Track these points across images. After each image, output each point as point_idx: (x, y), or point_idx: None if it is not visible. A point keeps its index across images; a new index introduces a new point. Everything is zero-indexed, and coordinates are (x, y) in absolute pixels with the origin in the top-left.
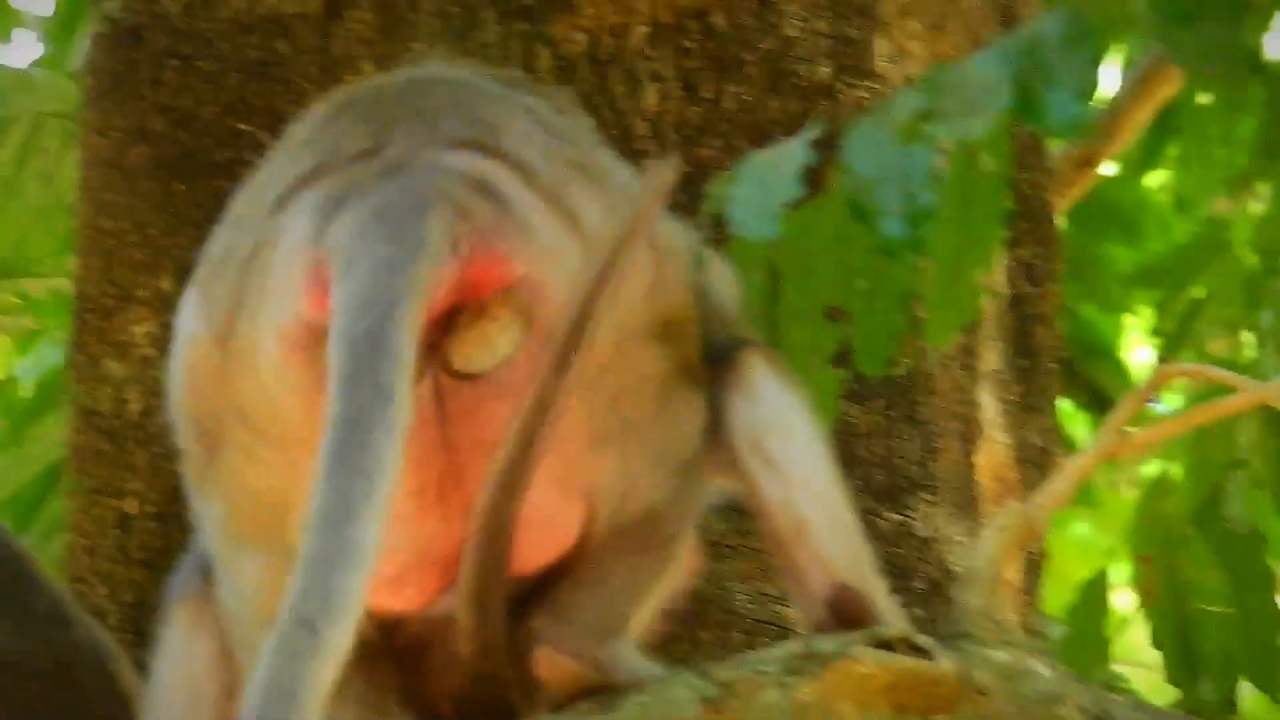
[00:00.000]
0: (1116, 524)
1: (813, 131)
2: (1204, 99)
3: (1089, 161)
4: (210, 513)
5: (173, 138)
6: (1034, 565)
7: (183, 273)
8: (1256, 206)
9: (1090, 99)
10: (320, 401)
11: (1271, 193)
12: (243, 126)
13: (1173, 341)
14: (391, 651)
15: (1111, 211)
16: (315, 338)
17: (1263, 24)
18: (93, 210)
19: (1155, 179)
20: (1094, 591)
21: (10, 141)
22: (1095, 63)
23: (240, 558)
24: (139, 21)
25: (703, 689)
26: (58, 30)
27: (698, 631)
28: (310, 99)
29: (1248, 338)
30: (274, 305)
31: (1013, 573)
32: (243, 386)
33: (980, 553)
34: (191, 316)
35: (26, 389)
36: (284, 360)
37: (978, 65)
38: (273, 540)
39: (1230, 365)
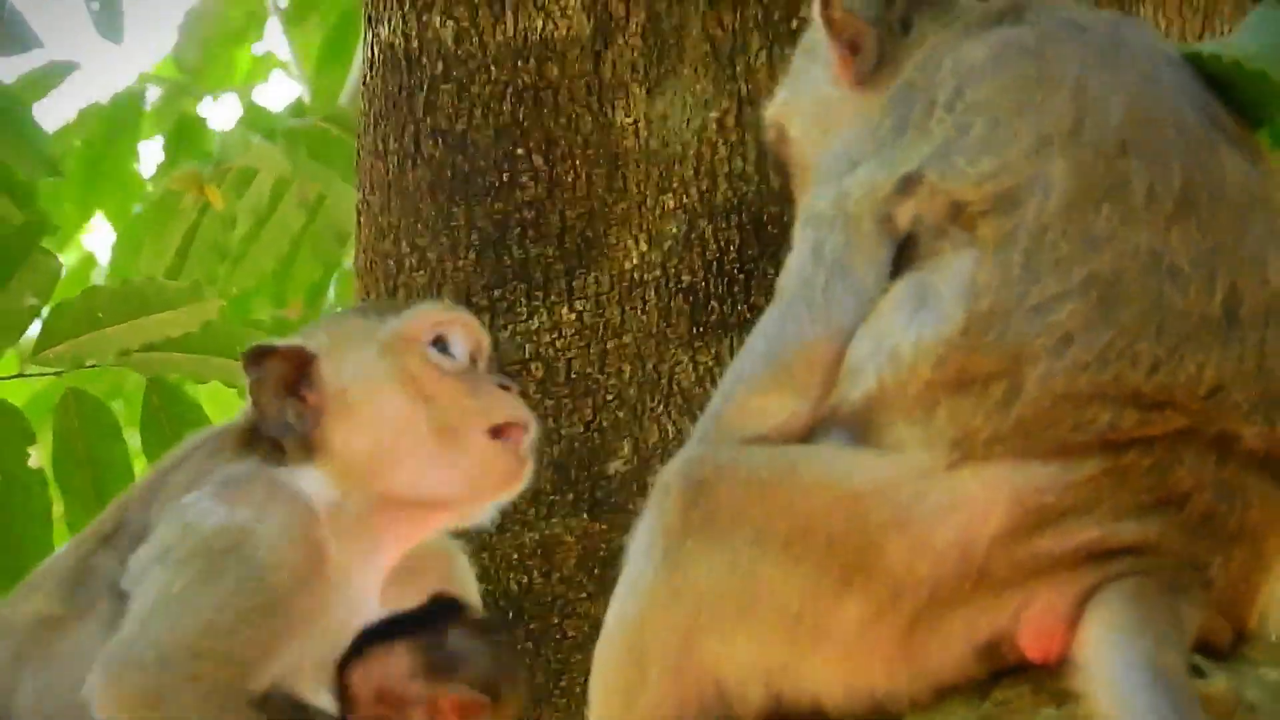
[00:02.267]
0: None
1: None
2: None
3: None
4: None
5: (448, 161)
6: None
7: (463, 294)
8: None
9: None
10: None
11: None
12: (517, 150)
13: None
14: None
15: None
16: None
17: None
18: (372, 233)
19: None
20: None
21: (265, 177)
22: None
23: None
24: (413, 47)
25: (980, 708)
26: (320, 65)
27: None
28: (581, 122)
29: None
30: None
31: None
32: None
33: None
34: None
35: None
36: None
37: None
38: None
39: None
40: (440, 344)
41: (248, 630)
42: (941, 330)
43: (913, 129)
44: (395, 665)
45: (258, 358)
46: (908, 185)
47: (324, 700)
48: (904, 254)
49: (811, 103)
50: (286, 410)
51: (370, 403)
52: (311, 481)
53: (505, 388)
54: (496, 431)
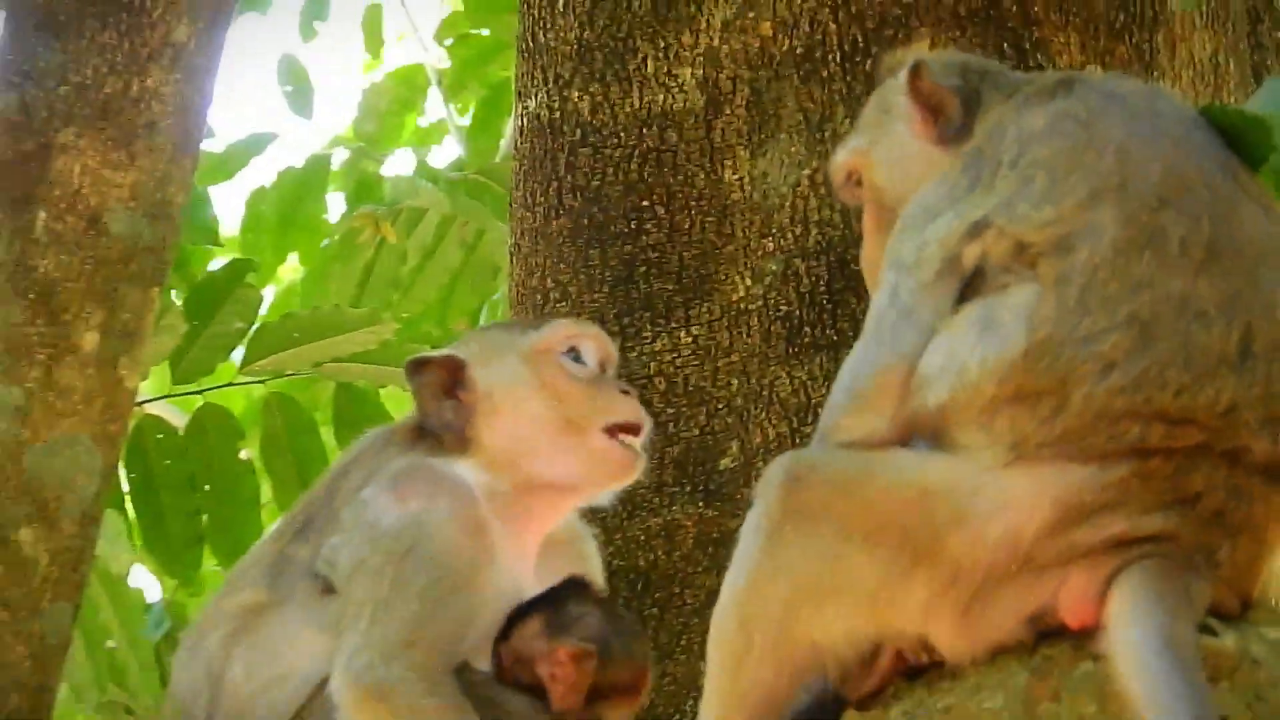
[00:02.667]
0: None
1: None
2: None
3: None
4: None
5: (586, 212)
6: None
7: (597, 322)
8: None
9: None
10: None
11: None
12: (643, 203)
13: None
14: None
15: None
16: None
17: None
18: (523, 272)
19: None
20: None
21: (429, 219)
22: None
23: None
24: (555, 117)
25: (1029, 663)
26: (476, 129)
27: None
28: (695, 179)
29: None
30: None
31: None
32: None
33: None
34: None
35: None
36: None
37: None
38: None
39: None
40: (573, 353)
41: (444, 612)
42: (1005, 352)
43: (982, 186)
44: (525, 629)
45: (419, 366)
46: (976, 229)
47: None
48: (970, 286)
49: (896, 155)
50: (445, 409)
51: (513, 403)
52: (466, 470)
53: (625, 393)
54: (615, 430)
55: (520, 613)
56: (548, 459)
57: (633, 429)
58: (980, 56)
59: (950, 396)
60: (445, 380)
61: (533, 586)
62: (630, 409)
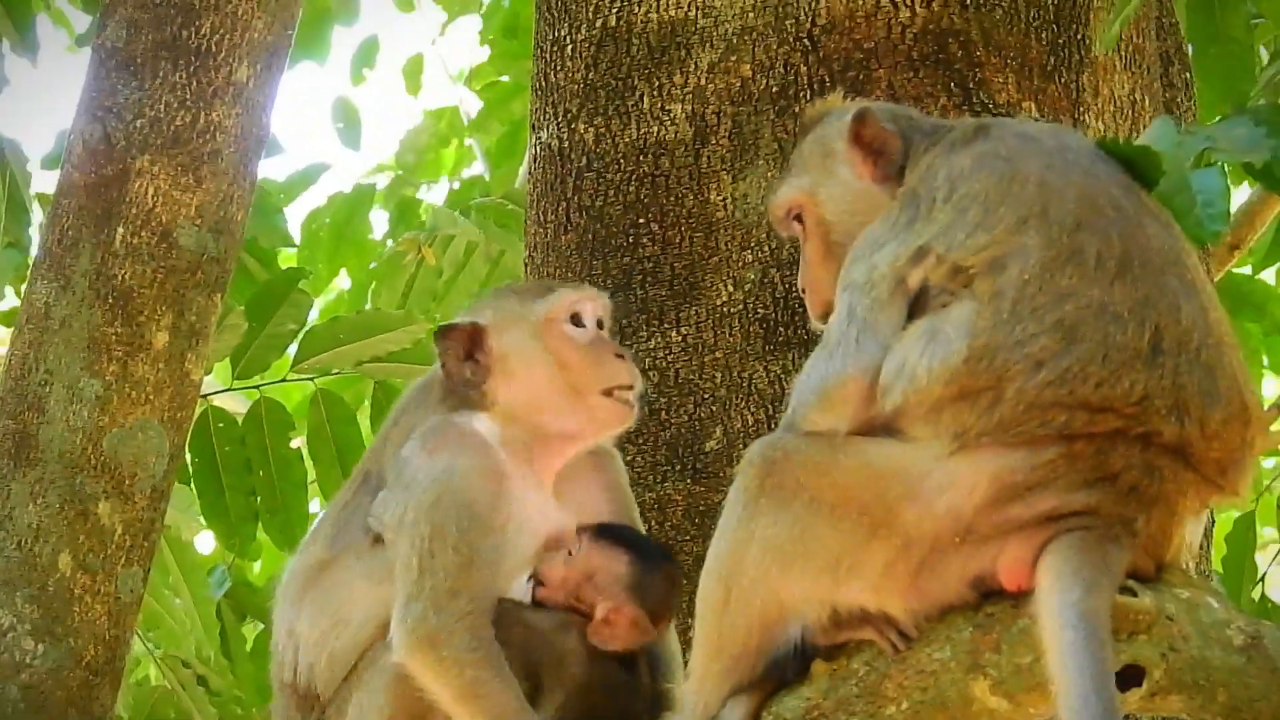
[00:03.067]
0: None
1: None
2: None
3: (1236, 246)
4: None
5: (590, 228)
6: (1206, 529)
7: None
8: None
9: None
10: None
11: None
12: (639, 220)
13: None
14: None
15: (1244, 295)
16: None
17: None
18: (536, 279)
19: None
20: (1242, 529)
21: (459, 241)
22: None
23: None
24: (564, 146)
25: (974, 619)
26: (498, 158)
27: None
28: (685, 200)
29: None
30: None
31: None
32: None
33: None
34: None
35: None
36: None
37: (1240, 124)
38: None
39: None
40: (575, 319)
41: (479, 556)
42: (949, 359)
43: (920, 219)
44: (600, 571)
45: (445, 332)
46: (919, 255)
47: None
48: (916, 305)
49: (841, 194)
50: (465, 370)
51: (525, 367)
52: (484, 423)
53: (620, 356)
54: (611, 390)
55: (591, 542)
56: (554, 415)
57: (626, 386)
58: (902, 105)
59: (903, 399)
60: (466, 344)
61: (555, 512)
62: (624, 372)
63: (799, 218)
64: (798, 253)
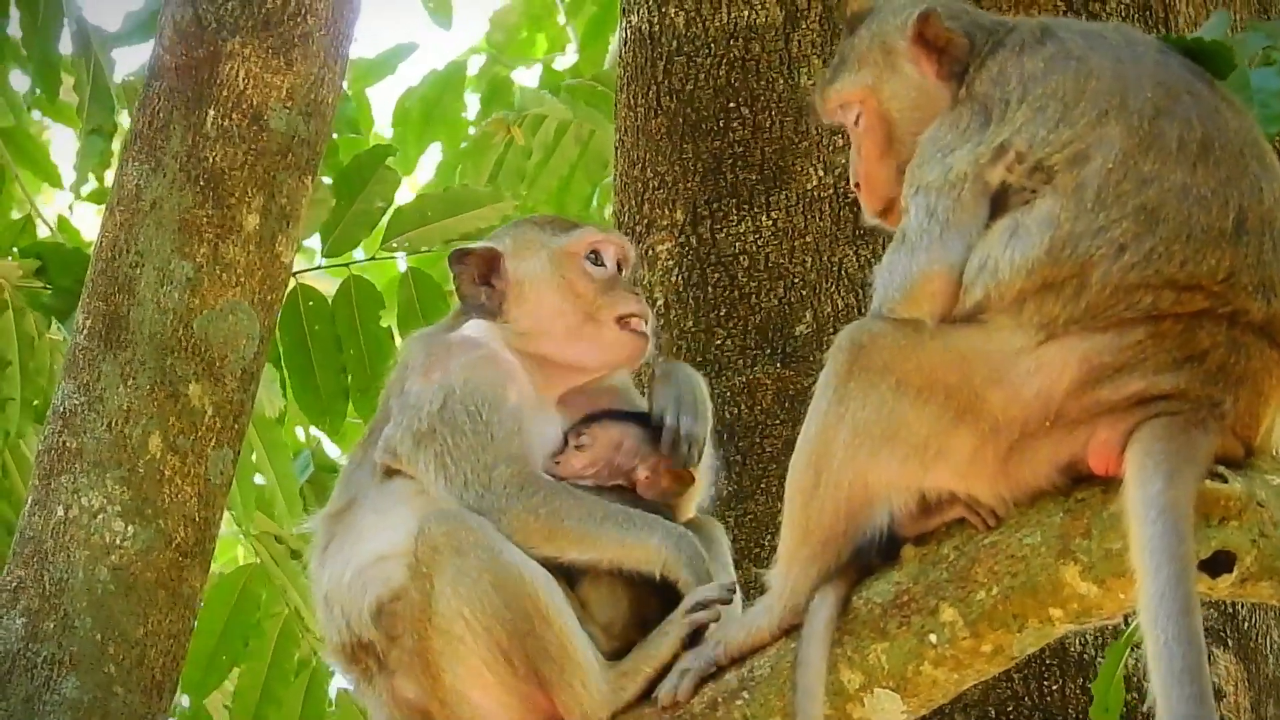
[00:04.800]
0: None
1: None
2: None
3: None
4: None
5: (680, 112)
6: None
7: (690, 208)
8: None
9: None
10: None
11: None
12: (730, 104)
13: None
14: None
15: None
16: None
17: None
18: (626, 163)
19: None
20: None
21: (549, 122)
22: None
23: None
24: (655, 30)
25: (1065, 504)
26: (587, 40)
27: None
28: (776, 84)
29: None
30: None
31: None
32: None
33: None
34: None
35: None
36: None
37: None
38: None
39: None
40: (594, 256)
41: (498, 429)
42: (1030, 251)
43: (995, 121)
44: (626, 439)
45: (460, 256)
46: (998, 154)
47: None
48: (996, 207)
49: (907, 91)
50: (480, 294)
51: (539, 294)
52: (482, 328)
53: (634, 292)
54: (622, 319)
55: (619, 417)
56: (566, 344)
57: (637, 315)
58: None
59: (984, 294)
60: (483, 269)
61: (557, 418)
62: (635, 303)
63: (855, 112)
64: None
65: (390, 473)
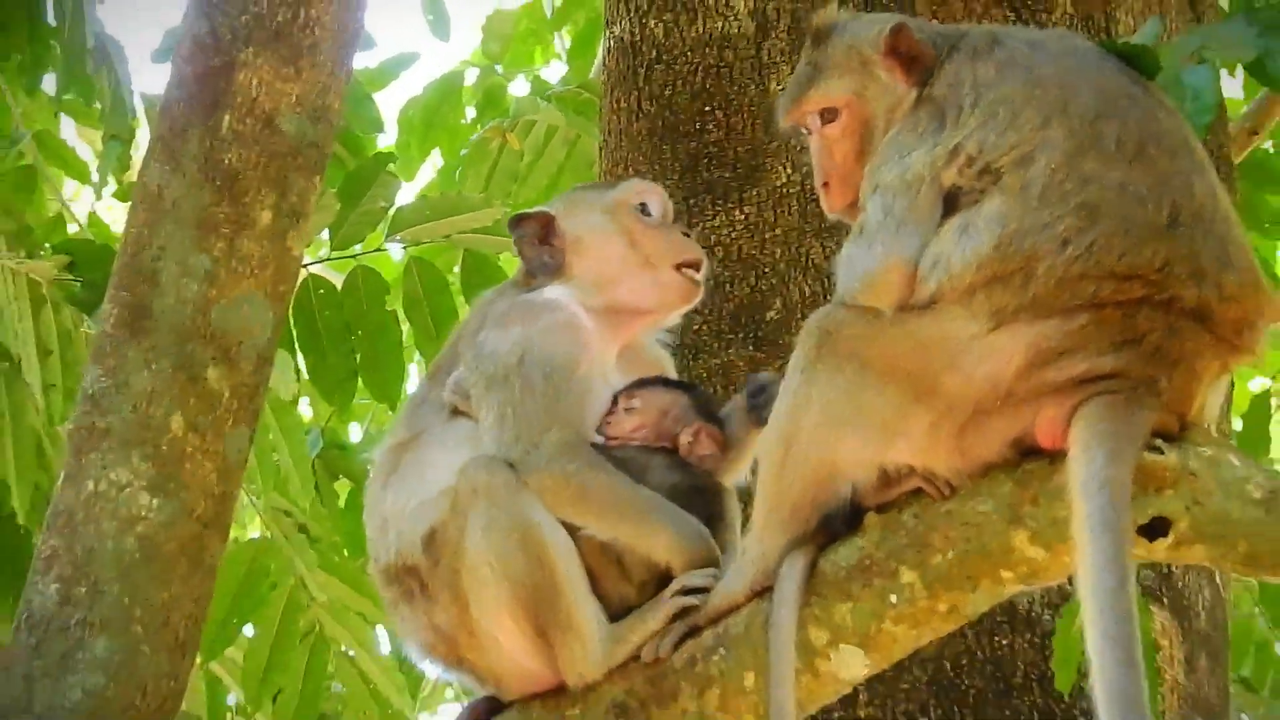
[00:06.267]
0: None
1: None
2: None
3: (1255, 131)
4: None
5: (660, 115)
6: (1228, 394)
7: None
8: None
9: None
10: None
11: None
12: (705, 108)
13: None
14: None
15: (1266, 171)
16: None
17: None
18: (610, 163)
19: None
20: (1260, 403)
21: (539, 127)
22: None
23: None
24: (636, 40)
25: (1015, 474)
26: (576, 51)
27: None
28: (747, 89)
29: None
30: None
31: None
32: None
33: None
34: None
35: None
36: None
37: (1235, 24)
38: None
39: None
40: (643, 206)
41: (564, 395)
42: (980, 247)
43: (950, 125)
44: (672, 405)
45: (519, 221)
46: (951, 156)
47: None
48: (947, 208)
49: (886, 96)
50: (542, 253)
51: (598, 245)
52: (561, 290)
53: (687, 235)
54: (681, 266)
55: (664, 384)
56: (628, 288)
57: (694, 264)
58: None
59: (938, 286)
60: (540, 230)
61: (617, 377)
62: (692, 249)
63: (831, 116)
64: None
65: (456, 412)
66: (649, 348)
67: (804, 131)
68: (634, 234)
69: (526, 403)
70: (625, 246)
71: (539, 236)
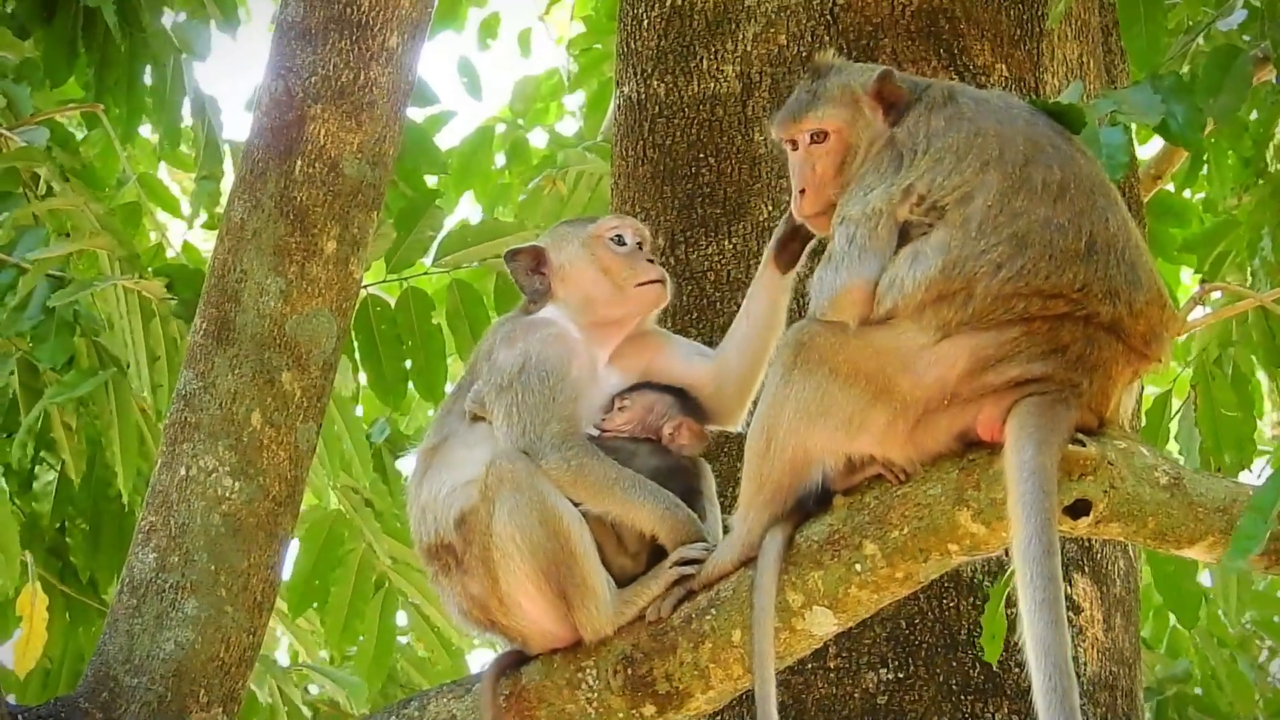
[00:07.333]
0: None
1: None
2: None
3: (1158, 176)
4: None
5: (661, 161)
6: (1139, 397)
7: (669, 235)
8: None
9: (1200, 129)
10: None
11: (1254, 198)
12: (699, 156)
13: (1207, 276)
14: None
15: (1168, 208)
16: None
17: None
18: (619, 201)
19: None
20: (1160, 406)
21: (569, 172)
22: (1197, 108)
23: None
24: (642, 98)
25: (959, 463)
26: (591, 109)
27: None
28: (735, 139)
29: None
30: None
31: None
32: None
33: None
34: None
35: None
36: None
37: (1143, 91)
38: None
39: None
40: (617, 238)
41: (560, 395)
42: (928, 271)
43: (905, 167)
44: (657, 403)
45: (513, 254)
46: (906, 195)
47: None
48: (901, 239)
49: (868, 129)
50: (534, 281)
51: (578, 274)
52: (553, 310)
53: (651, 260)
54: (642, 284)
55: (653, 388)
56: (604, 305)
57: (654, 281)
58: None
59: (893, 304)
60: (531, 261)
61: (614, 375)
62: (652, 271)
63: (821, 137)
64: None
65: (476, 418)
66: (648, 334)
67: (789, 146)
68: (604, 261)
69: (528, 402)
70: (597, 273)
71: (530, 267)
